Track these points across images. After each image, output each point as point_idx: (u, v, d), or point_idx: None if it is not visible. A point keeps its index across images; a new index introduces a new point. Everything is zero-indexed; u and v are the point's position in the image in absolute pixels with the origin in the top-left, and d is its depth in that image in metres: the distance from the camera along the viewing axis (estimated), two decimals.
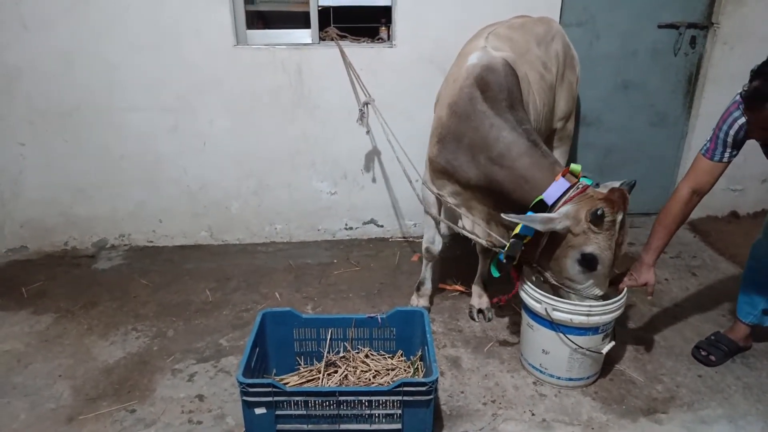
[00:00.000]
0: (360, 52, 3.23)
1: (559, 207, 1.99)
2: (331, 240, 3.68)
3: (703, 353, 2.48)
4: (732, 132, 1.99)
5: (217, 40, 3.13)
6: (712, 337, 2.53)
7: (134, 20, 3.03)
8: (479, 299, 2.82)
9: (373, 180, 3.53)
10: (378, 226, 3.68)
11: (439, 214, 2.63)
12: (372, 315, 2.26)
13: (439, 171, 2.39)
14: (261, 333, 2.20)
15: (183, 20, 3.06)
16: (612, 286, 2.30)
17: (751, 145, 2.09)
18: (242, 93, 3.24)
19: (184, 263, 3.39)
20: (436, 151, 2.34)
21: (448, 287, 3.06)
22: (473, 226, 2.40)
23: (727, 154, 2.05)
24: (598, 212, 1.92)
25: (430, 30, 3.19)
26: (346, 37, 3.31)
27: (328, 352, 2.29)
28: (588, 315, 2.12)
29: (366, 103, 3.05)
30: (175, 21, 3.06)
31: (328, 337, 2.28)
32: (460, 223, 2.47)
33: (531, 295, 2.22)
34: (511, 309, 2.83)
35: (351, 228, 3.68)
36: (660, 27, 3.39)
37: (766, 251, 2.36)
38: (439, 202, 2.57)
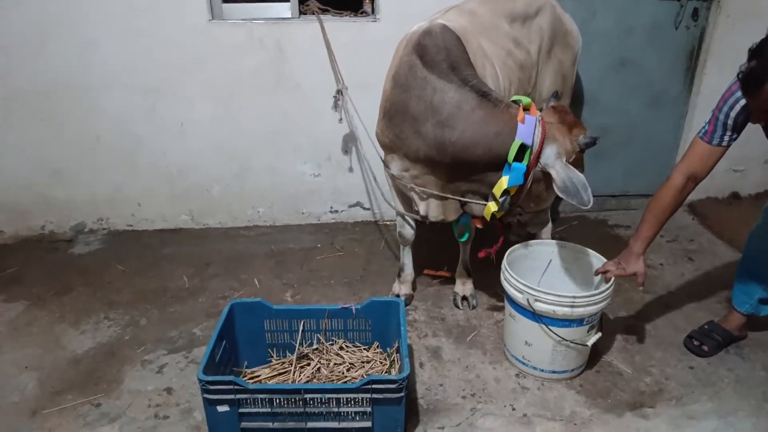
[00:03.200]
0: (342, 27, 3.07)
1: (540, 143, 1.98)
2: (315, 224, 3.57)
3: (695, 343, 2.37)
4: (733, 114, 1.84)
5: (192, 15, 2.98)
6: (706, 327, 2.42)
7: None
8: (463, 286, 2.72)
9: (358, 161, 3.40)
10: (364, 209, 3.57)
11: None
12: (346, 305, 2.16)
13: (388, 147, 2.30)
14: (230, 325, 2.10)
15: None
16: (599, 276, 2.19)
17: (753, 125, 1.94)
18: (221, 72, 3.10)
19: (163, 248, 3.29)
20: (383, 125, 2.25)
21: (432, 273, 2.95)
22: (427, 205, 2.30)
23: (726, 138, 1.91)
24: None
25: (414, 4, 3.00)
26: (327, 10, 3.15)
27: (301, 344, 2.19)
28: (572, 306, 2.01)
29: (339, 91, 2.92)
30: None
31: (300, 329, 2.18)
32: (414, 208, 2.38)
33: (513, 284, 2.11)
34: (497, 295, 2.73)
35: (336, 211, 3.56)
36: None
37: (765, 237, 2.23)
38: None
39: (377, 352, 2.20)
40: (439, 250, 3.02)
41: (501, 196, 2.03)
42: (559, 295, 2.01)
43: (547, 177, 2.03)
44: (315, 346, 2.21)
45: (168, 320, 2.64)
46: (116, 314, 2.68)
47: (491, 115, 2.00)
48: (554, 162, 1.98)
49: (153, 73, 3.07)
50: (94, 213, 3.42)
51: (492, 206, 2.08)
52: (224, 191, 3.43)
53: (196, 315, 2.67)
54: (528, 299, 2.05)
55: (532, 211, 2.24)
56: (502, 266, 2.21)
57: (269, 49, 3.06)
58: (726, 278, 2.87)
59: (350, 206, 3.55)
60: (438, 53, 2.07)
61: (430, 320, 2.61)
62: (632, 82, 3.41)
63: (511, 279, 2.12)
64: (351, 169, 3.42)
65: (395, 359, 2.14)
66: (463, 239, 2.44)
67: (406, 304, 2.70)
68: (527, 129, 1.95)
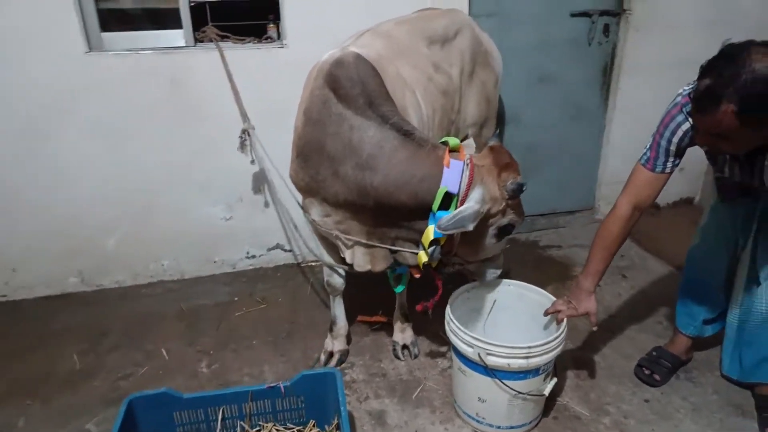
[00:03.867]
0: (245, 55, 2.76)
1: (466, 191, 1.78)
2: (231, 272, 3.19)
3: (646, 372, 2.27)
4: (675, 139, 1.74)
5: (66, 47, 2.55)
6: (654, 353, 2.33)
7: None
8: (402, 334, 2.47)
9: (274, 201, 3.08)
10: (285, 250, 3.24)
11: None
12: (272, 384, 1.84)
13: (305, 190, 2.06)
14: (130, 425, 1.72)
15: (21, 23, 2.45)
16: (549, 316, 2.03)
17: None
18: (106, 110, 2.67)
19: (48, 321, 2.78)
20: (296, 166, 2.00)
21: (367, 319, 2.68)
22: (353, 254, 2.06)
23: (670, 164, 1.81)
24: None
25: (327, 26, 2.75)
26: (228, 37, 2.82)
27: None
28: (527, 357, 1.82)
29: (245, 131, 2.62)
30: (12, 25, 2.44)
31: (219, 418, 1.83)
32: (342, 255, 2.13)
33: (461, 338, 1.89)
34: (438, 338, 2.50)
35: (254, 256, 3.21)
36: (573, 15, 3.17)
37: (703, 257, 2.17)
38: None
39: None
40: (371, 293, 2.75)
41: (429, 247, 1.82)
42: (513, 347, 1.81)
43: (483, 224, 1.84)
44: None
45: (54, 416, 2.17)
46: None
47: (415, 157, 1.79)
48: (483, 213, 1.80)
49: (22, 113, 2.59)
50: None
51: (422, 256, 1.87)
52: (120, 244, 2.97)
53: (92, 404, 2.23)
54: (479, 353, 1.83)
55: (477, 261, 2.05)
56: (446, 316, 1.99)
57: (162, 82, 2.68)
58: (663, 295, 2.85)
59: (269, 249, 3.21)
60: (353, 87, 1.84)
61: (370, 378, 2.34)
62: (553, 98, 3.35)
63: (458, 332, 1.90)
64: (267, 207, 3.09)
65: None
66: (399, 290, 2.21)
67: (341, 362, 2.41)
68: (453, 175, 1.76)
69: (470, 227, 1.73)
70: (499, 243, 1.97)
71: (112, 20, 2.72)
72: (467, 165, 1.78)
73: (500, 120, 3.25)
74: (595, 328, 2.00)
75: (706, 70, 1.47)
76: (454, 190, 1.76)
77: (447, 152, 1.80)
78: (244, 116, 2.73)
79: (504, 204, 1.84)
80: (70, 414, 2.17)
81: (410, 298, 2.42)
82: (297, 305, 2.88)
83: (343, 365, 2.41)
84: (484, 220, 1.81)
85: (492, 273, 2.12)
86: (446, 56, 2.41)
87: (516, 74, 3.15)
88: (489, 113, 2.73)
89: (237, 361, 2.46)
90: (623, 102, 3.40)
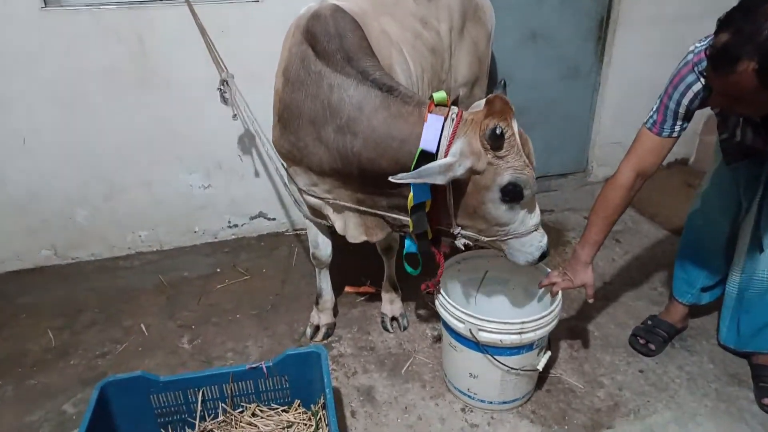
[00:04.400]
0: (217, 11, 2.55)
1: (447, 147, 1.57)
2: (212, 242, 3.06)
3: (641, 342, 2.21)
4: (685, 101, 1.61)
5: (19, 3, 2.32)
6: (649, 322, 2.27)
7: None
8: (391, 305, 2.39)
9: (254, 167, 2.93)
10: (268, 219, 3.11)
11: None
12: (254, 365, 1.74)
13: (287, 158, 1.92)
14: (104, 411, 1.63)
15: None
16: (543, 289, 1.94)
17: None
18: (66, 72, 2.48)
19: (20, 296, 2.66)
20: (278, 132, 1.86)
21: (355, 290, 2.59)
22: (344, 224, 1.94)
23: (677, 128, 1.68)
24: (496, 131, 1.49)
25: None
26: None
27: (203, 419, 1.76)
28: (521, 333, 1.74)
29: (224, 81, 2.43)
30: None
31: (199, 400, 1.74)
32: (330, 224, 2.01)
33: (452, 312, 1.80)
34: (427, 308, 2.43)
35: (236, 225, 3.08)
36: None
37: (704, 223, 2.08)
38: None
39: (300, 412, 1.82)
40: (359, 261, 2.66)
41: (412, 214, 1.68)
42: (505, 323, 1.72)
43: (477, 187, 1.62)
44: (221, 418, 1.78)
45: (28, 397, 2.08)
46: None
47: (397, 117, 1.62)
48: (457, 170, 1.54)
49: None
50: None
51: (411, 225, 1.73)
52: (93, 216, 2.82)
53: (68, 384, 2.14)
54: (471, 329, 1.75)
55: (491, 235, 1.71)
56: (436, 290, 1.89)
57: (126, 40, 2.47)
58: (657, 260, 2.79)
59: (252, 218, 3.08)
60: (330, 41, 1.68)
61: (358, 352, 2.26)
62: (546, 55, 3.19)
63: (449, 306, 1.81)
64: (249, 175, 2.94)
65: (321, 417, 1.77)
66: (414, 273, 1.90)
67: (328, 335, 2.33)
68: (431, 132, 1.56)
69: (439, 180, 1.52)
70: (514, 212, 1.64)
71: None
72: (452, 120, 1.59)
73: (491, 79, 3.09)
74: (591, 301, 1.92)
75: (723, 24, 1.33)
76: (432, 148, 1.56)
77: (429, 107, 1.62)
78: (221, 67, 2.54)
79: (490, 158, 1.55)
80: (46, 395, 2.08)
81: (399, 268, 2.32)
82: (282, 276, 2.78)
83: (330, 339, 2.33)
84: (476, 181, 1.59)
85: (526, 254, 1.73)
86: (434, 11, 2.25)
87: (507, 31, 2.98)
88: (481, 72, 2.58)
89: (220, 336, 2.37)
90: (619, 58, 3.25)
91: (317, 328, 2.33)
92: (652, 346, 2.19)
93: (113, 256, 2.94)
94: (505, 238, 1.70)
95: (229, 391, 1.76)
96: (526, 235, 1.70)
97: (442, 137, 1.58)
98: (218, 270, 2.83)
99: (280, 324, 2.43)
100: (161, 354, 2.28)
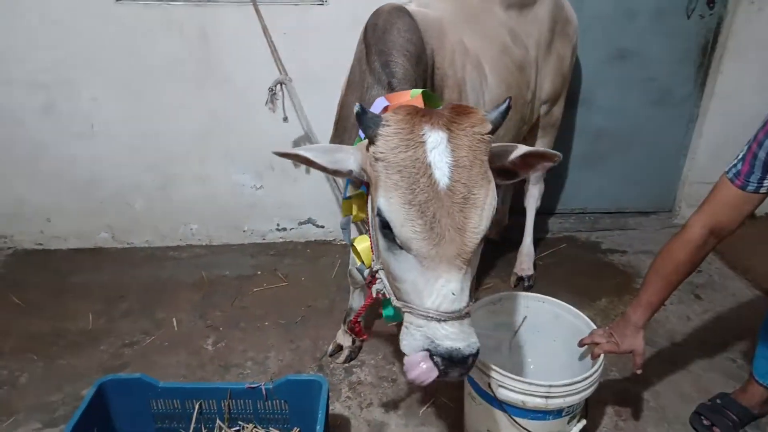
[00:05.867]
0: (281, 11, 2.51)
1: None
2: (260, 243, 3.04)
3: (705, 423, 1.88)
4: None
5: None
6: (719, 401, 1.93)
7: None
8: None
9: (308, 171, 2.87)
10: (317, 226, 3.04)
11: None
12: (253, 384, 1.65)
13: None
14: (100, 409, 1.60)
15: None
16: (584, 347, 1.69)
17: None
18: (132, 63, 2.55)
19: (73, 274, 2.77)
20: (331, 137, 1.78)
21: None
22: None
23: (766, 183, 1.38)
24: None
25: None
26: None
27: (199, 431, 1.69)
28: (547, 397, 1.51)
29: (280, 83, 2.38)
30: None
31: (195, 412, 1.67)
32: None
33: None
34: None
35: (284, 229, 3.04)
36: None
37: None
38: None
39: None
40: None
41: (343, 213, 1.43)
42: (530, 383, 1.50)
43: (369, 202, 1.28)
44: None
45: (54, 377, 2.13)
46: None
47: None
48: (346, 163, 1.22)
49: (48, 64, 2.51)
50: None
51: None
52: (148, 205, 2.89)
53: (91, 370, 2.17)
54: (490, 383, 1.55)
55: (397, 296, 1.21)
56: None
57: (190, 36, 2.50)
58: (742, 326, 2.39)
59: (300, 223, 3.03)
60: (376, 41, 1.55)
61: (378, 382, 2.11)
62: (633, 78, 2.87)
63: None
64: (301, 179, 2.89)
65: None
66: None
67: (350, 359, 2.20)
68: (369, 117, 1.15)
69: (320, 160, 1.19)
70: (396, 258, 1.13)
71: None
72: (396, 111, 1.18)
73: (571, 100, 2.82)
74: (639, 372, 1.63)
75: None
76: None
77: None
78: (281, 68, 2.50)
79: (373, 159, 1.12)
80: (70, 377, 2.13)
81: None
82: (319, 287, 2.69)
83: (351, 362, 2.20)
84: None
85: (407, 337, 1.13)
86: (523, 24, 2.10)
87: (590, 47, 2.71)
88: (562, 89, 2.38)
89: (243, 343, 2.32)
90: (723, 88, 2.85)
91: (340, 347, 2.21)
92: (717, 431, 1.85)
93: (164, 245, 3.00)
94: (404, 308, 1.15)
95: (226, 408, 1.68)
96: (422, 318, 1.10)
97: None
98: (258, 272, 2.79)
99: (305, 338, 2.34)
100: (184, 353, 2.26)
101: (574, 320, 1.79)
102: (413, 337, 1.11)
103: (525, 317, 1.89)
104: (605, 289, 2.64)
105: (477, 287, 2.63)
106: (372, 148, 1.11)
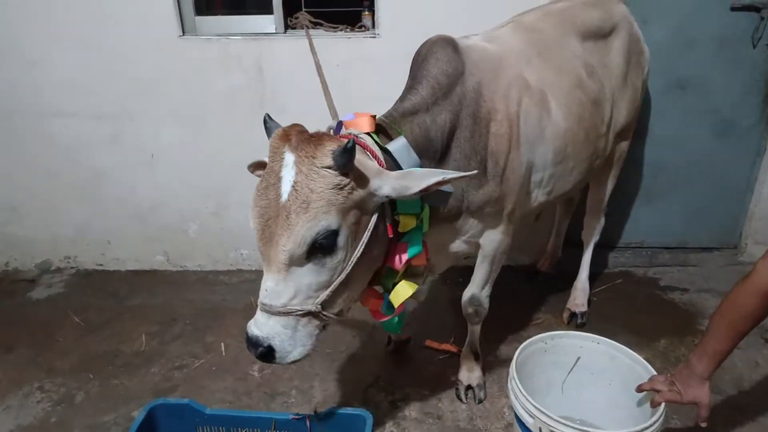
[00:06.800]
0: (335, 44, 2.57)
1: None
2: None
3: None
4: None
5: (160, 30, 2.55)
6: None
7: (56, 4, 2.49)
8: (469, 373, 2.16)
9: None
10: None
11: None
12: (299, 416, 1.65)
13: None
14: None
15: (114, 4, 2.49)
16: (642, 393, 1.60)
17: None
18: (192, 95, 2.66)
19: (130, 296, 2.87)
20: None
21: (436, 346, 2.40)
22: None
23: None
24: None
25: (425, 15, 2.49)
26: (320, 24, 2.66)
27: None
28: None
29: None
30: (103, 5, 2.50)
31: None
32: None
33: (521, 402, 1.55)
34: None
35: None
36: (733, 9, 2.55)
37: None
38: None
39: None
40: (446, 314, 2.47)
41: None
42: (583, 430, 1.43)
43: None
44: None
45: (109, 397, 2.20)
46: (53, 385, 2.27)
47: None
48: None
49: (113, 96, 2.66)
50: (59, 251, 3.05)
51: None
52: (202, 230, 2.98)
53: (143, 391, 2.22)
54: (541, 428, 1.48)
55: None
56: (511, 370, 1.64)
57: (247, 69, 2.59)
58: None
59: None
60: (415, 68, 1.70)
61: (423, 417, 2.06)
62: (694, 109, 2.76)
63: (519, 394, 1.56)
64: None
65: None
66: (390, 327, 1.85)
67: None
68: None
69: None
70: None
71: (205, 4, 2.69)
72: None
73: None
74: (704, 425, 1.52)
75: None
76: None
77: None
78: (333, 113, 2.55)
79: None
80: (122, 398, 2.18)
81: (485, 329, 2.11)
82: (369, 317, 2.67)
83: (395, 396, 2.16)
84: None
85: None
86: (601, 55, 2.07)
87: (650, 77, 2.62)
88: (633, 121, 2.33)
89: (289, 371, 2.32)
90: None
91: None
92: None
93: (216, 270, 3.07)
94: None
95: None
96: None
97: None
98: None
99: (350, 368, 2.32)
100: (230, 378, 2.28)
101: (632, 363, 1.69)
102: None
103: (579, 357, 1.81)
104: (664, 329, 2.50)
105: (528, 322, 2.55)
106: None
